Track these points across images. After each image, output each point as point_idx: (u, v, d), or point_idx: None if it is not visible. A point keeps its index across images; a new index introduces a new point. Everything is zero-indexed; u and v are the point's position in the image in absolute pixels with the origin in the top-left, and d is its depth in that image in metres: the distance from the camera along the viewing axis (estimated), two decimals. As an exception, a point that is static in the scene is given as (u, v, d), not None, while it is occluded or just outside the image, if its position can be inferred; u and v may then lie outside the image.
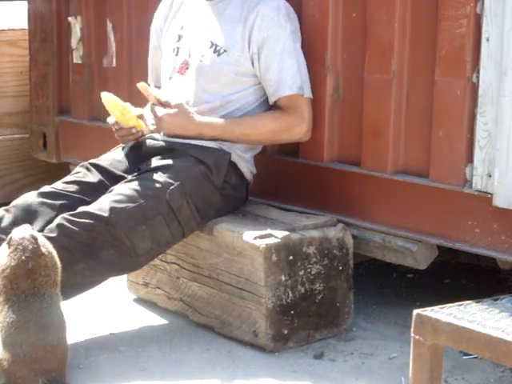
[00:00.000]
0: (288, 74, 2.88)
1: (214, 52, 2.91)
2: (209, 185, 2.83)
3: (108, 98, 2.87)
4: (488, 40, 2.50)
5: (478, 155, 2.58)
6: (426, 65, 2.69)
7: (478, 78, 2.55)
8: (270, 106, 2.98)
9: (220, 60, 2.90)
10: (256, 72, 2.91)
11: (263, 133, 2.93)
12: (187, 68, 2.96)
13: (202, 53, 2.93)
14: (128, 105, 2.92)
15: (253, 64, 2.90)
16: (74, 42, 3.91)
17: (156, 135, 2.96)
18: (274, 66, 2.88)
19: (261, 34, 2.87)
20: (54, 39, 4.03)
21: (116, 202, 2.68)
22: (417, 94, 2.74)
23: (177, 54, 3.00)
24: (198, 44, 2.95)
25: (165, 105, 2.88)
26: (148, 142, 2.95)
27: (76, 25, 3.88)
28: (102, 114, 3.73)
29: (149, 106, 3.01)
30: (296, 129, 2.93)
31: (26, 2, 4.17)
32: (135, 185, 2.74)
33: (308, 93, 2.91)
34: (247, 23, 2.88)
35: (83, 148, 3.83)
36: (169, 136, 2.91)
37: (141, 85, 2.91)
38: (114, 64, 3.70)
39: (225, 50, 2.90)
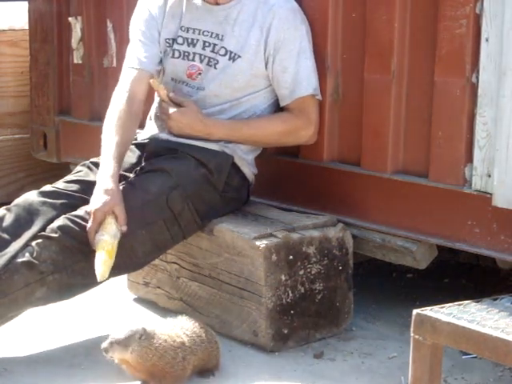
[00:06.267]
0: (303, 75, 2.89)
1: (229, 59, 2.90)
2: (210, 188, 2.84)
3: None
4: (487, 40, 2.51)
5: (477, 155, 2.58)
6: (425, 65, 2.70)
7: (477, 78, 2.56)
8: (277, 110, 2.98)
9: (235, 66, 2.89)
10: (269, 74, 2.90)
11: (270, 134, 2.93)
12: (199, 74, 2.94)
13: (215, 60, 2.91)
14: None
15: (266, 66, 2.89)
16: (74, 42, 3.91)
17: (160, 135, 2.96)
18: (290, 68, 2.88)
19: (278, 35, 2.86)
20: (55, 39, 4.04)
21: None
22: (416, 94, 2.75)
23: (183, 58, 2.95)
24: (211, 50, 2.92)
25: (175, 102, 2.88)
26: (151, 141, 2.96)
27: (76, 25, 3.89)
28: (102, 113, 3.74)
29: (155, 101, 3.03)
30: (302, 132, 2.94)
31: (27, 3, 4.18)
32: (136, 188, 2.74)
33: (319, 94, 2.92)
34: (264, 26, 2.87)
35: (84, 148, 3.84)
36: (175, 135, 2.90)
37: (152, 81, 2.88)
38: (114, 64, 3.70)
39: (239, 56, 2.89)
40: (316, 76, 2.91)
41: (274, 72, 2.90)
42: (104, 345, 2.39)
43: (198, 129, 2.88)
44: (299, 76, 2.89)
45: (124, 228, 2.62)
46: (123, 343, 2.38)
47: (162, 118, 2.93)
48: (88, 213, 2.62)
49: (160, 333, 2.44)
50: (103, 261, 2.56)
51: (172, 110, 2.87)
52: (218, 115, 2.93)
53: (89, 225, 2.60)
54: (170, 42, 2.98)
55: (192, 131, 2.88)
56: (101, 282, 2.63)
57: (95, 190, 2.65)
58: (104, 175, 2.66)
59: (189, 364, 2.47)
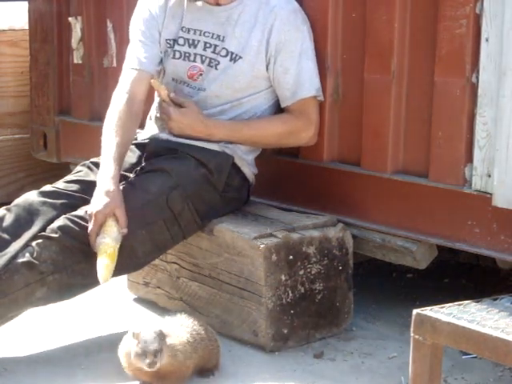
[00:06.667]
0: (306, 77, 2.89)
1: (230, 60, 2.89)
2: (210, 188, 2.84)
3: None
4: (487, 40, 2.51)
5: (477, 155, 2.58)
6: (425, 65, 2.70)
7: (477, 78, 2.56)
8: (278, 111, 2.98)
9: (236, 67, 2.89)
10: (270, 74, 2.90)
11: (270, 135, 2.93)
12: (200, 74, 2.93)
13: (216, 61, 2.91)
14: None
15: (267, 67, 2.89)
16: (74, 42, 3.91)
17: (160, 135, 2.96)
18: (292, 69, 2.88)
19: (279, 37, 2.86)
20: (55, 39, 4.04)
21: None
22: (416, 94, 2.75)
23: (184, 59, 2.94)
24: (212, 51, 2.92)
25: (176, 102, 2.87)
26: (151, 141, 2.96)
27: (76, 25, 3.89)
28: (102, 113, 3.74)
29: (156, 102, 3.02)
30: (303, 133, 2.94)
31: (27, 2, 4.18)
32: (136, 188, 2.73)
33: (322, 95, 2.92)
34: (265, 27, 2.87)
35: (83, 148, 3.84)
36: (175, 135, 2.90)
37: (153, 81, 2.88)
38: (114, 64, 3.70)
39: (240, 57, 2.89)
40: (318, 77, 2.92)
41: (275, 73, 2.90)
42: (148, 361, 2.33)
43: (199, 129, 2.88)
44: (301, 77, 2.89)
45: (125, 230, 2.62)
46: (161, 349, 2.35)
47: (162, 118, 2.93)
48: (89, 215, 2.62)
49: (171, 331, 2.44)
50: (105, 264, 2.56)
51: (173, 110, 2.87)
52: (219, 116, 2.93)
53: (90, 227, 2.60)
54: (171, 42, 2.98)
55: (193, 132, 2.88)
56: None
57: (96, 192, 2.65)
58: (104, 177, 2.66)
59: (192, 363, 2.47)
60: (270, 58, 2.89)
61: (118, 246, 2.60)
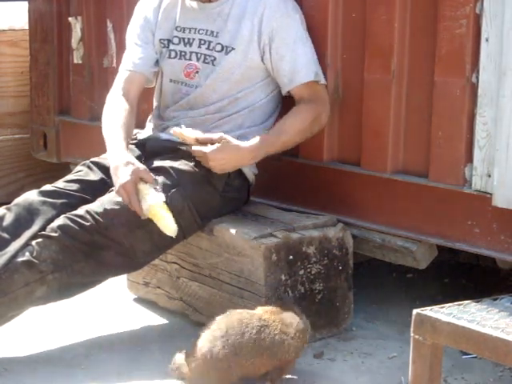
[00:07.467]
0: (302, 62, 2.87)
1: (226, 54, 2.90)
2: (210, 188, 2.83)
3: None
4: (487, 40, 2.51)
5: (477, 155, 2.58)
6: (425, 65, 2.70)
7: (477, 78, 2.56)
8: (279, 101, 2.99)
9: (229, 58, 2.89)
10: (267, 64, 2.90)
11: (303, 129, 2.86)
12: (196, 72, 2.94)
13: (212, 57, 2.91)
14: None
15: (263, 57, 2.89)
16: (74, 42, 3.92)
17: (161, 135, 2.96)
18: (287, 56, 2.87)
19: (271, 24, 2.87)
20: (55, 39, 4.04)
21: (115, 204, 2.67)
22: (416, 94, 2.75)
23: (180, 58, 2.96)
24: (207, 48, 2.93)
25: (205, 142, 2.76)
26: (151, 141, 2.96)
27: (76, 25, 3.89)
28: (101, 113, 3.74)
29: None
30: (323, 114, 2.90)
31: (27, 2, 4.18)
32: (135, 187, 2.74)
33: (323, 79, 2.91)
34: (255, 16, 2.88)
35: (83, 148, 3.84)
36: (175, 135, 2.87)
37: (177, 131, 2.78)
38: (114, 64, 3.70)
39: (232, 48, 2.89)
40: (316, 62, 2.89)
41: (272, 61, 2.89)
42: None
43: (242, 157, 2.79)
44: (297, 63, 2.86)
45: (158, 187, 2.64)
46: None
47: (200, 161, 2.80)
48: (116, 192, 2.63)
49: None
50: (167, 219, 2.61)
51: (208, 150, 2.73)
52: (218, 113, 2.92)
53: (127, 201, 2.61)
54: (165, 42, 2.99)
55: (237, 163, 2.81)
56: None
57: (113, 169, 2.67)
58: (117, 151, 2.70)
59: None
60: (265, 47, 2.88)
61: (164, 198, 2.63)
